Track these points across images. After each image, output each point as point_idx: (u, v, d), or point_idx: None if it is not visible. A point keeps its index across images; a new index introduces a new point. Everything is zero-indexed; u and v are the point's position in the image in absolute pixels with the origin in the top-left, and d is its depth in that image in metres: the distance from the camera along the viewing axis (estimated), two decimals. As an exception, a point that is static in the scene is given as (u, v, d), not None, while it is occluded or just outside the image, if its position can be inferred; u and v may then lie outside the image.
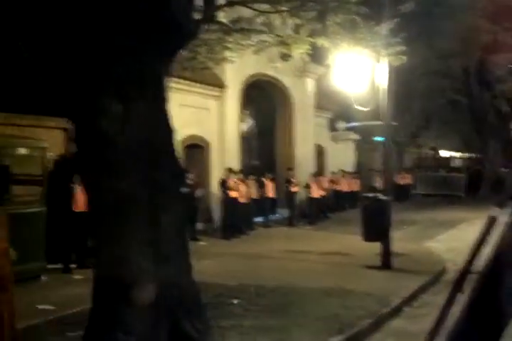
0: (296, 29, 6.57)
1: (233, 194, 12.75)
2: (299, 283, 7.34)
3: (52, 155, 9.03)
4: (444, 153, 35.26)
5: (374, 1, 7.56)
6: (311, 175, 16.17)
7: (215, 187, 13.57)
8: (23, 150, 7.91)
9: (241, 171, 13.68)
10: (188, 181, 11.70)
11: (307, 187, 15.49)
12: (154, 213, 3.44)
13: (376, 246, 8.70)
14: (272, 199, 14.95)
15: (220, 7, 5.78)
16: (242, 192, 13.04)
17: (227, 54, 8.30)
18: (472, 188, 24.39)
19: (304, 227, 14.56)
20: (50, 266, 8.28)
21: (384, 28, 7.03)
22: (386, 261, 8.51)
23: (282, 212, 15.72)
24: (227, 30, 6.49)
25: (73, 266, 8.59)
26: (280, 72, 15.95)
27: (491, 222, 1.05)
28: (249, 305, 6.16)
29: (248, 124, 16.48)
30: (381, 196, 8.83)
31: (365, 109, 9.60)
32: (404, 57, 7.39)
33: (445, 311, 1.10)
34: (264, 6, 6.68)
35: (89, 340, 3.61)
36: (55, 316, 5.84)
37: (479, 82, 24.07)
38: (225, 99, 14.26)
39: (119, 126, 3.39)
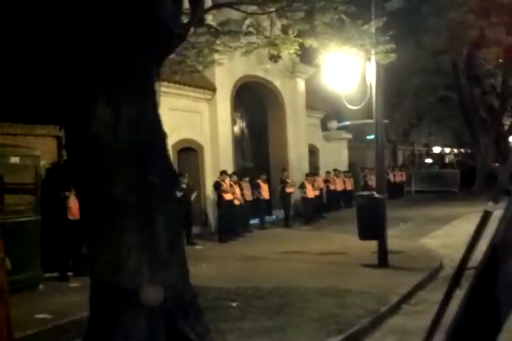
0: (285, 30, 6.58)
1: (228, 196, 12.73)
2: (296, 283, 7.33)
3: (45, 163, 8.98)
4: (436, 150, 35.45)
5: (361, 0, 7.59)
6: (305, 175, 16.18)
7: (209, 190, 13.55)
8: (15, 159, 7.86)
9: (235, 173, 13.67)
10: (183, 185, 11.69)
11: (302, 187, 15.51)
12: (148, 217, 3.43)
13: (372, 245, 8.71)
14: (267, 200, 14.94)
15: (207, 10, 5.78)
16: (237, 194, 13.03)
17: (216, 56, 8.29)
18: (465, 184, 24.51)
19: (300, 228, 14.57)
20: (46, 275, 8.24)
21: (372, 26, 7.05)
22: (383, 259, 8.52)
23: (278, 213, 15.73)
24: (216, 32, 6.48)
25: (70, 274, 8.55)
26: (270, 74, 15.98)
27: (486, 216, 1.05)
28: (247, 307, 6.15)
29: (240, 126, 16.49)
30: (375, 194, 8.85)
31: (356, 108, 9.62)
32: (394, 55, 7.41)
33: (443, 307, 1.10)
34: (252, 8, 6.68)
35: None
36: (53, 325, 5.80)
37: (468, 77, 24.20)
38: (216, 102, 14.26)
39: (110, 130, 3.38)
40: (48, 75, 3.57)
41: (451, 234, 11.78)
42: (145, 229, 3.41)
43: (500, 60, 23.14)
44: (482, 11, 20.48)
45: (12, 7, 3.50)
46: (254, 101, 16.77)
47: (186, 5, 4.69)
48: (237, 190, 13.08)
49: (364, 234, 8.93)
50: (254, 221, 14.47)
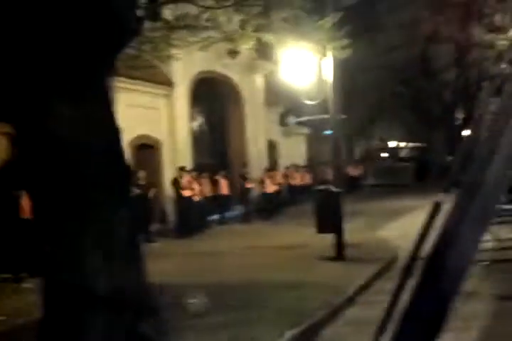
0: (242, 25, 6.57)
1: (187, 193, 12.65)
2: (256, 278, 7.37)
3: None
4: (392, 144, 36.29)
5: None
6: (264, 170, 16.26)
7: (168, 186, 13.42)
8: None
9: (194, 169, 13.58)
10: (140, 182, 11.52)
11: (261, 182, 15.57)
12: (103, 213, 3.36)
13: (331, 238, 8.85)
14: (226, 196, 14.94)
15: (163, 3, 5.69)
16: (196, 190, 12.96)
17: (173, 51, 8.19)
18: (419, 177, 25.24)
19: (260, 223, 14.64)
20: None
21: (328, 21, 7.13)
22: (340, 252, 8.68)
23: (237, 209, 15.76)
24: (172, 27, 6.40)
25: (24, 274, 8.30)
26: (229, 69, 15.93)
27: (436, 207, 1.09)
28: (208, 303, 6.14)
29: (199, 122, 16.38)
30: (332, 188, 8.98)
31: (313, 103, 9.72)
32: (349, 50, 7.53)
33: (396, 298, 1.13)
34: (209, 2, 6.64)
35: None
36: (6, 326, 5.63)
37: (423, 72, 24.88)
38: (174, 98, 14.11)
39: (64, 126, 3.29)
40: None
41: (406, 225, 12.09)
42: (101, 227, 3.35)
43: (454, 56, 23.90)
44: (436, 7, 21.03)
45: None
46: (213, 97, 16.70)
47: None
48: (196, 186, 13.01)
49: (322, 228, 9.06)
50: (214, 217, 14.45)
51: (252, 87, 17.24)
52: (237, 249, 10.14)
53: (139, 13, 4.49)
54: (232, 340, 4.94)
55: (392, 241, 10.45)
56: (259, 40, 6.73)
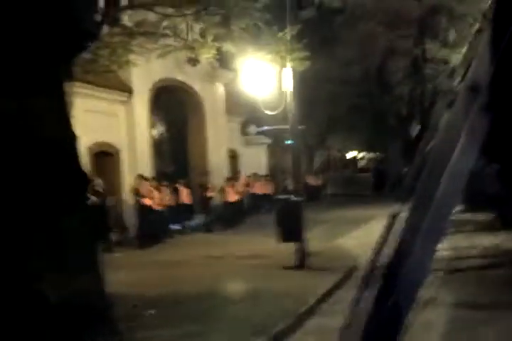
0: (202, 34, 6.57)
1: (147, 201, 12.46)
2: (217, 288, 7.30)
3: None
4: (350, 155, 36.92)
5: (276, 8, 7.73)
6: (225, 179, 16.21)
7: (127, 195, 13.18)
8: None
9: (154, 178, 13.40)
10: (98, 189, 11.27)
11: (222, 191, 15.52)
12: (54, 218, 3.25)
13: (292, 247, 8.87)
14: (187, 205, 14.79)
15: (122, 9, 5.63)
16: (156, 199, 12.78)
17: (132, 57, 8.09)
18: (377, 187, 25.75)
19: (222, 232, 14.55)
20: None
21: (287, 33, 7.21)
22: (301, 261, 8.71)
23: (199, 218, 15.62)
24: (131, 33, 6.33)
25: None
26: (189, 77, 15.87)
27: (392, 218, 1.09)
28: (167, 314, 6.03)
29: (159, 130, 16.21)
30: (293, 197, 9.03)
31: (273, 113, 9.79)
32: (308, 62, 7.63)
33: (355, 307, 1.13)
34: (169, 10, 6.60)
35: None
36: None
37: (379, 86, 25.51)
38: (134, 105, 13.92)
39: (15, 124, 3.17)
40: None
41: (365, 234, 12.27)
42: (51, 233, 3.23)
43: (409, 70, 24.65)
44: (391, 24, 21.73)
45: None
46: (174, 105, 16.58)
47: (102, 4, 4.53)
48: (156, 195, 12.83)
49: (283, 237, 9.08)
50: (175, 226, 14.26)
51: (213, 95, 17.22)
52: (199, 259, 10.03)
53: (98, 17, 4.41)
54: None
55: (352, 249, 10.57)
56: (219, 50, 6.74)
